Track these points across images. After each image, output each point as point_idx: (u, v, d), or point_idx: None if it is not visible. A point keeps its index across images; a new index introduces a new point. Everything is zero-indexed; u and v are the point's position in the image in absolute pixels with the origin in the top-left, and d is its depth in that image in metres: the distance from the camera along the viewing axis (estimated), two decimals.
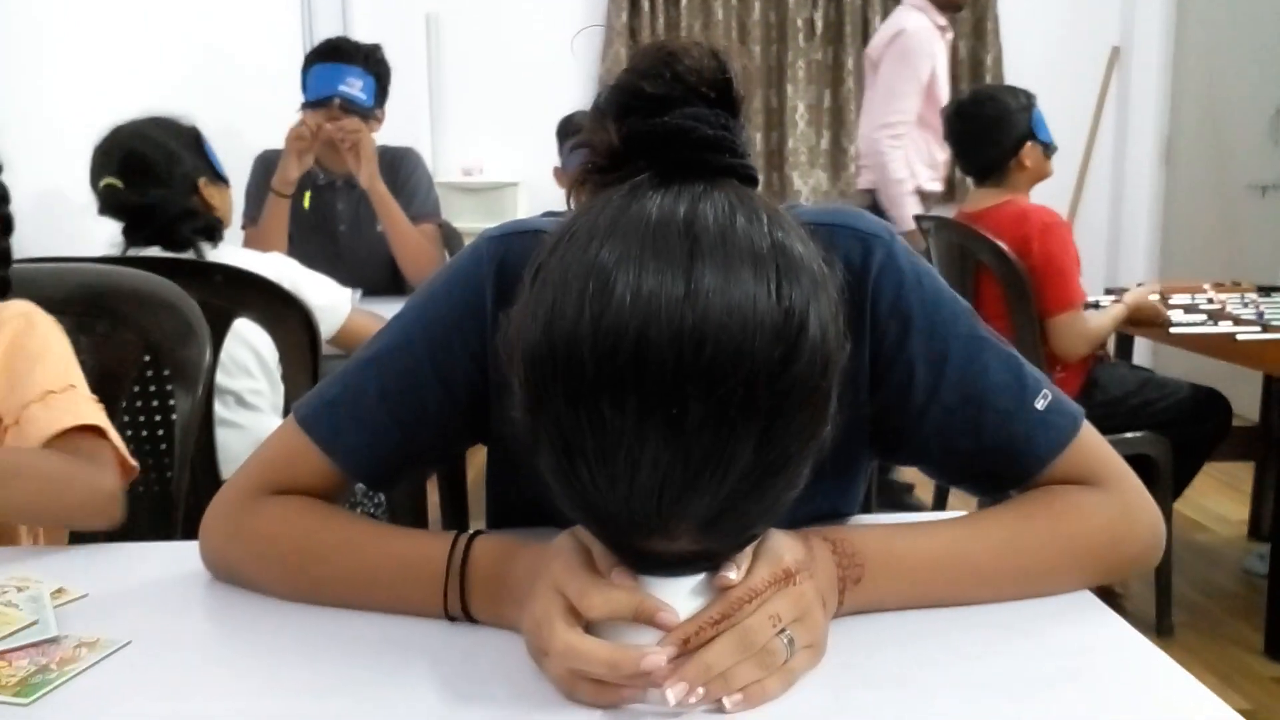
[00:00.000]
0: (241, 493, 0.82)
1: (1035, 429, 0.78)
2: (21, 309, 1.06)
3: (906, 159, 3.16)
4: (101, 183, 1.71)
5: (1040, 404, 0.79)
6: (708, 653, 0.60)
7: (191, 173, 1.77)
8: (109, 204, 1.73)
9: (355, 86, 2.41)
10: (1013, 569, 0.75)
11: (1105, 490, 0.78)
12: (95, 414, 0.98)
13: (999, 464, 0.80)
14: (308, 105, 2.42)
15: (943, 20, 3.22)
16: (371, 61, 2.46)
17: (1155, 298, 2.58)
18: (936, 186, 3.29)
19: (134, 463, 1.00)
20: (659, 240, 0.57)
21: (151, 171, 1.71)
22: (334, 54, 2.43)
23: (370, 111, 2.46)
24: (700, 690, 0.59)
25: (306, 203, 2.50)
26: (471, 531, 0.75)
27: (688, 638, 0.60)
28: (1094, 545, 0.77)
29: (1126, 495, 0.79)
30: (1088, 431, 0.80)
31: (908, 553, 0.74)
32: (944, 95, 3.19)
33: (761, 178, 0.67)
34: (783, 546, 0.66)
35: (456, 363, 0.80)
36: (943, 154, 3.19)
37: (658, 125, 0.63)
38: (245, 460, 0.84)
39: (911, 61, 3.13)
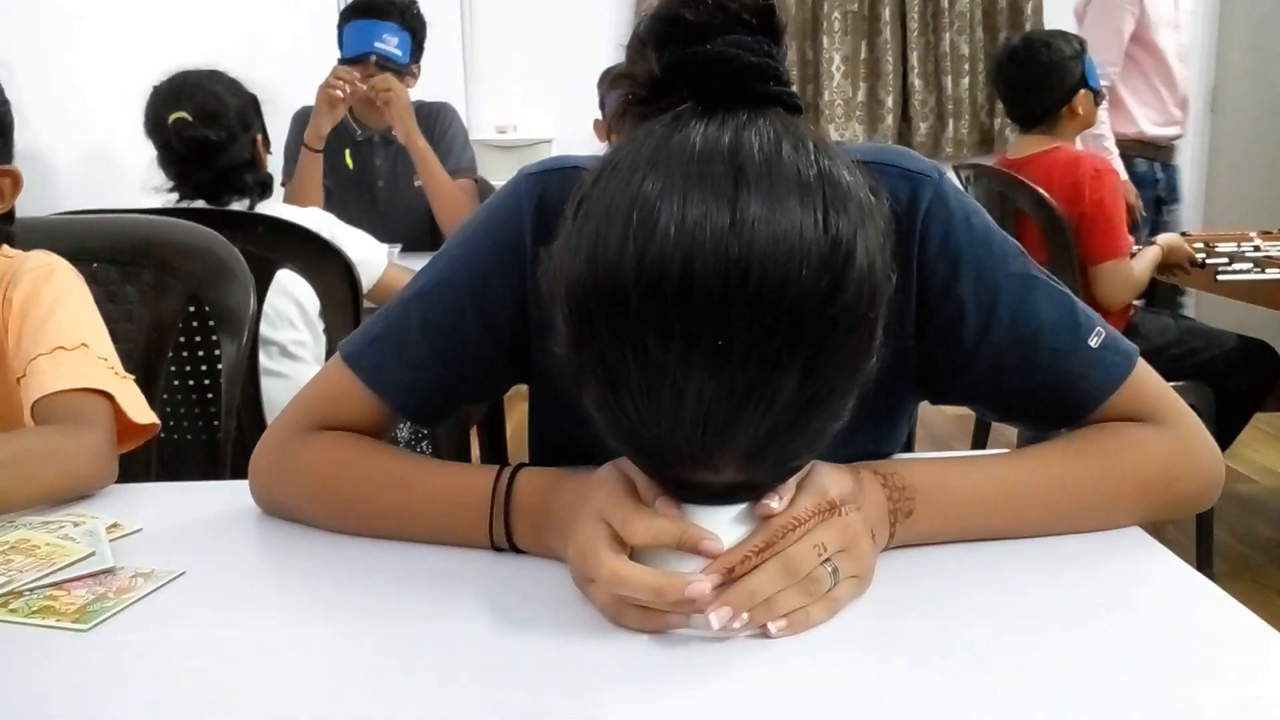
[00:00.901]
0: (289, 429, 0.83)
1: (1090, 366, 0.77)
2: (43, 260, 1.04)
3: (1112, 112, 3.20)
4: (171, 117, 1.69)
5: (1094, 341, 0.77)
6: (752, 579, 0.60)
7: (252, 127, 1.78)
8: (178, 136, 1.70)
9: (391, 43, 2.39)
10: (1065, 503, 0.74)
11: (1160, 427, 0.77)
12: (101, 375, 0.95)
13: (1053, 402, 0.78)
14: (344, 62, 2.42)
15: None
16: (408, 17, 2.44)
17: (1199, 250, 2.52)
18: (1172, 131, 3.26)
19: (149, 420, 0.97)
20: (703, 170, 0.56)
21: (221, 116, 1.72)
22: (370, 10, 2.42)
23: (406, 68, 2.44)
24: (744, 616, 0.59)
25: (349, 160, 2.50)
26: (515, 465, 0.75)
27: (732, 566, 0.60)
28: (1149, 481, 0.76)
29: (1183, 432, 0.77)
30: (1143, 369, 0.78)
31: (959, 486, 0.73)
32: (1162, 40, 3.16)
33: None
34: (828, 479, 0.65)
35: (497, 299, 0.80)
36: (1175, 98, 3.21)
37: (700, 53, 0.62)
38: (292, 398, 0.85)
39: (1111, 14, 3.13)
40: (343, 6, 2.54)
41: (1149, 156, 3.22)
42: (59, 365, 0.94)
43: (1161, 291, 3.12)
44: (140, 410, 0.97)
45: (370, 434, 0.82)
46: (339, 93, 2.31)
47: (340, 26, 2.46)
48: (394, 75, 2.40)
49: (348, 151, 2.51)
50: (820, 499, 0.63)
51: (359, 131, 2.56)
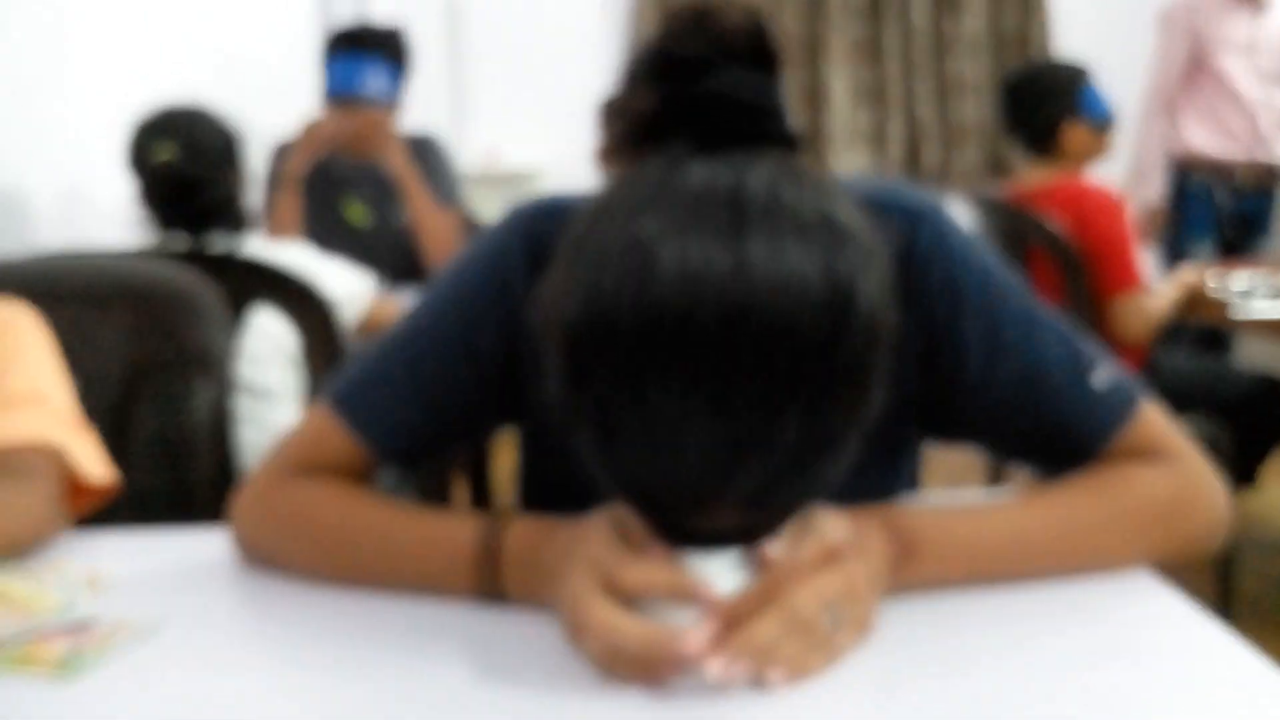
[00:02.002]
0: (273, 474, 0.84)
1: (1093, 405, 0.79)
2: (4, 311, 1.05)
3: (1162, 132, 3.34)
4: (155, 154, 1.73)
5: (1098, 379, 0.79)
6: (751, 628, 0.61)
7: (234, 163, 1.82)
8: (161, 173, 1.73)
9: (378, 80, 2.44)
10: (1070, 547, 0.76)
11: (1165, 466, 0.78)
12: (53, 430, 0.96)
13: (1057, 441, 0.80)
14: (330, 98, 2.45)
15: None
16: (394, 50, 2.48)
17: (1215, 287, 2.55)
18: (1237, 153, 3.30)
19: (104, 475, 0.97)
20: (703, 212, 0.58)
21: (207, 153, 1.75)
22: (355, 45, 2.45)
23: (392, 101, 2.49)
24: (741, 666, 0.60)
25: (358, 217, 2.56)
26: (505, 514, 0.77)
27: (731, 614, 0.61)
28: (1153, 522, 0.77)
29: (1187, 471, 0.79)
30: (1148, 407, 0.80)
31: (963, 533, 0.74)
32: (1224, 63, 3.26)
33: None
34: (828, 525, 0.67)
35: (487, 338, 0.81)
36: (1243, 122, 3.27)
37: (698, 92, 0.64)
38: (277, 443, 0.86)
39: (1165, 35, 3.33)
40: (326, 38, 2.59)
41: (1205, 177, 3.30)
42: (10, 419, 0.95)
43: (1200, 333, 3.16)
44: (96, 466, 0.98)
45: (356, 477, 0.83)
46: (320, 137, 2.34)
47: (325, 58, 2.49)
48: (374, 116, 2.44)
49: (356, 206, 2.56)
50: (821, 545, 0.65)
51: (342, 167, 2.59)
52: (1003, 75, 2.57)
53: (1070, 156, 2.43)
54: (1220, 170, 3.30)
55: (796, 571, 0.63)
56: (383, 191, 2.55)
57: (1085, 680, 0.63)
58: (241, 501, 0.85)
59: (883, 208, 0.75)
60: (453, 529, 0.77)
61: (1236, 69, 3.26)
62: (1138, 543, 0.77)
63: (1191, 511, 0.79)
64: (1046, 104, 2.42)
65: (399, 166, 2.40)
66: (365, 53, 2.43)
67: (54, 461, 0.94)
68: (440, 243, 2.46)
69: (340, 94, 2.43)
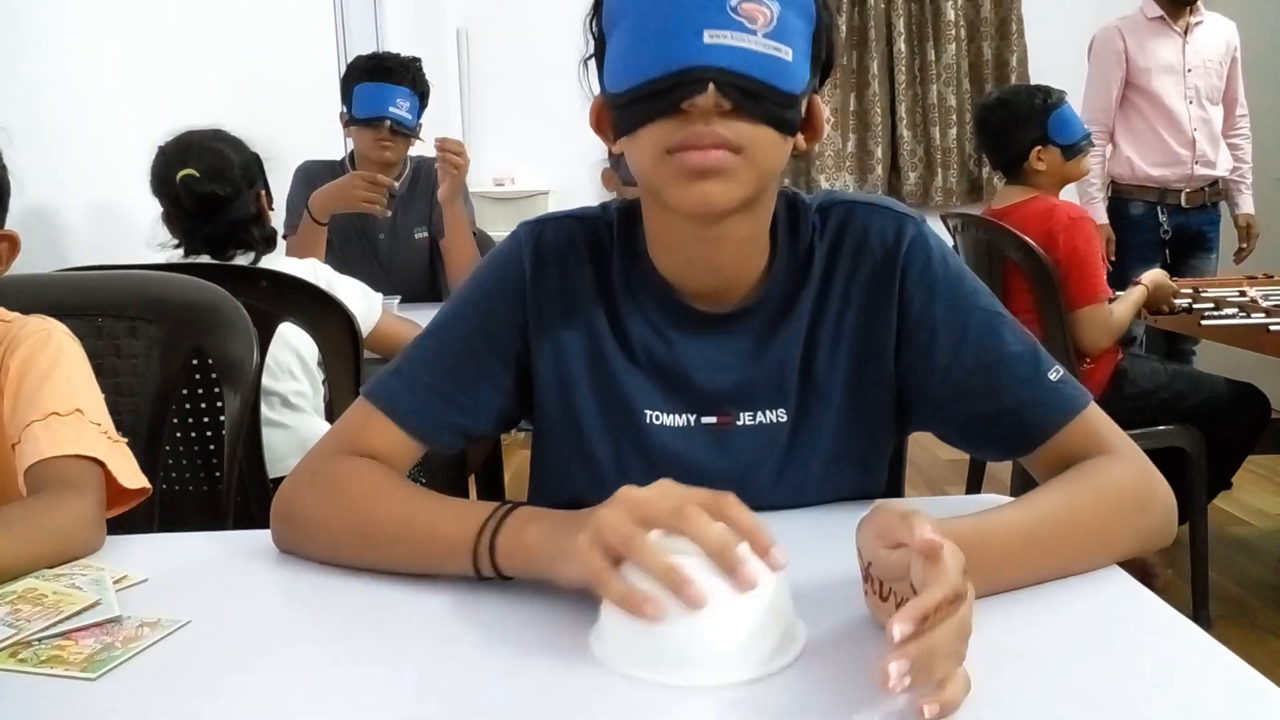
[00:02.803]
0: (320, 455, 0.88)
1: (1049, 395, 0.83)
2: (40, 325, 1.04)
3: (1104, 158, 3.25)
4: (179, 174, 1.71)
5: (1053, 375, 0.84)
6: (934, 636, 0.55)
7: (256, 184, 1.81)
8: (186, 192, 1.71)
9: (403, 108, 2.43)
10: (1071, 548, 0.75)
11: (1121, 460, 0.81)
12: (93, 441, 0.95)
13: (1014, 427, 0.84)
14: (355, 123, 2.45)
15: (1158, 11, 3.17)
16: (418, 80, 2.49)
17: (1188, 295, 2.55)
18: (1175, 172, 3.21)
19: (139, 484, 0.97)
20: None
21: (227, 173, 1.74)
22: (383, 73, 2.45)
23: (415, 129, 2.49)
24: (908, 677, 0.53)
25: (383, 233, 2.55)
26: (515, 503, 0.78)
27: (926, 615, 0.55)
28: (1130, 515, 0.78)
29: (1140, 463, 0.82)
30: (1096, 408, 0.84)
31: (990, 545, 0.70)
32: (1158, 85, 3.19)
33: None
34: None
35: (503, 327, 0.88)
36: (1181, 140, 3.19)
37: None
38: (324, 435, 0.90)
39: (1095, 65, 3.27)
40: (346, 64, 2.59)
41: (1148, 200, 3.22)
42: (52, 431, 0.94)
43: (1146, 336, 3.14)
44: (131, 475, 0.97)
45: (393, 463, 0.86)
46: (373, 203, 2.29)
47: (351, 83, 2.49)
48: (403, 136, 2.44)
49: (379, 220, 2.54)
50: (961, 564, 0.59)
51: None
52: (976, 104, 2.56)
53: (1043, 179, 2.43)
54: (1162, 191, 3.22)
55: (965, 590, 0.58)
56: (403, 210, 2.55)
57: (1062, 678, 0.62)
58: (289, 482, 0.86)
59: (876, 210, 0.88)
60: (468, 506, 0.79)
61: (1170, 90, 3.18)
62: (1121, 536, 0.77)
63: (1154, 501, 0.80)
64: (1015, 132, 2.42)
65: (454, 197, 2.38)
66: (393, 81, 2.43)
67: (96, 472, 0.94)
68: (463, 260, 2.46)
69: (370, 118, 2.42)
